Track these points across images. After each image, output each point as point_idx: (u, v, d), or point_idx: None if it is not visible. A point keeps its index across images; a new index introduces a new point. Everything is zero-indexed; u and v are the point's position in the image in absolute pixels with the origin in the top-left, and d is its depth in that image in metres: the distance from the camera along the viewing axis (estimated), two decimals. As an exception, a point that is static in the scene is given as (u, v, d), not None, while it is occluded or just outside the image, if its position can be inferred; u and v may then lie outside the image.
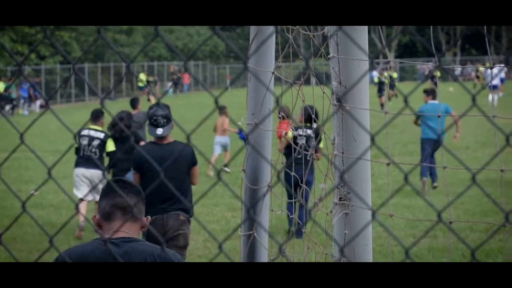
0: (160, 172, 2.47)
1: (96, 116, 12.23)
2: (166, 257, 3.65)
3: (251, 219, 4.60)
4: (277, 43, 4.64)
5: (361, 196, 3.55)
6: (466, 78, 62.80)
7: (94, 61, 55.78)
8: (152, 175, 7.97)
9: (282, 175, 2.54)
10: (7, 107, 41.38)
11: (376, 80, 39.54)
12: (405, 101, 1.94)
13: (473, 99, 1.89)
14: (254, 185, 4.57)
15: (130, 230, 3.69)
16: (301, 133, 11.01)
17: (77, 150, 12.17)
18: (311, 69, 3.73)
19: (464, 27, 67.95)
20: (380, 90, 36.09)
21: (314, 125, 11.11)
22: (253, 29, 4.50)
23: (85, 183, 12.04)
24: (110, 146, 11.90)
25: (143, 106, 17.32)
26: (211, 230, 12.10)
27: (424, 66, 61.69)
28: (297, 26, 4.22)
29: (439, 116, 4.69)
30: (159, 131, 8.02)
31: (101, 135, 11.99)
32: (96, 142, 11.94)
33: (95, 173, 11.98)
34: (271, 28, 4.40)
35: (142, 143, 13.00)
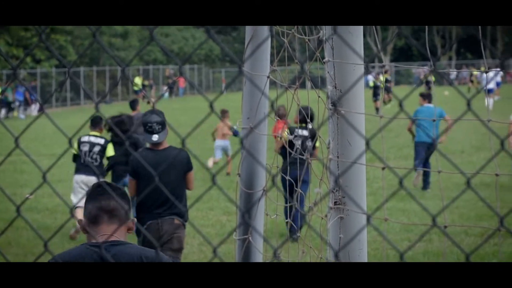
0: (155, 176, 2.47)
1: (96, 122, 12.27)
2: (154, 258, 3.63)
3: (246, 223, 4.59)
4: (272, 47, 4.64)
5: (356, 201, 3.55)
6: (461, 82, 62.86)
7: (89, 65, 55.73)
8: (148, 181, 8.04)
9: (278, 178, 2.54)
10: (3, 111, 41.34)
11: (371, 84, 39.55)
12: (400, 105, 1.94)
13: (468, 104, 1.89)
14: (249, 189, 4.56)
15: (117, 233, 3.67)
16: (296, 134, 11.03)
17: (75, 157, 12.18)
18: (306, 73, 3.73)
19: (459, 31, 68.06)
20: (375, 94, 36.09)
21: (310, 126, 11.12)
22: (248, 32, 4.49)
23: (84, 190, 12.03)
24: (110, 151, 11.96)
25: (142, 108, 17.31)
26: (206, 234, 12.08)
27: (420, 70, 61.77)
28: (293, 30, 4.22)
29: (434, 120, 4.69)
30: (155, 137, 8.08)
31: (102, 141, 12.05)
32: (97, 148, 11.99)
33: (95, 180, 11.99)
34: (266, 32, 4.39)
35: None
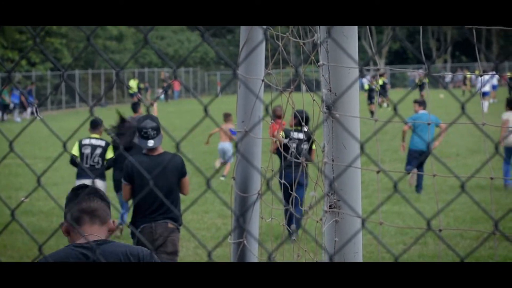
0: (150, 180, 2.47)
1: (96, 125, 12.30)
2: (139, 253, 3.77)
3: (241, 227, 4.59)
4: (267, 50, 4.64)
5: (351, 204, 3.54)
6: (456, 85, 62.91)
7: (84, 68, 55.69)
8: (142, 186, 8.12)
9: (275, 181, 2.54)
10: (-1, 114, 41.30)
11: (366, 87, 39.55)
12: (395, 109, 1.94)
13: (462, 107, 1.89)
14: (244, 193, 4.56)
15: (99, 233, 3.79)
16: (291, 137, 11.04)
17: (73, 160, 12.19)
18: (301, 76, 3.73)
19: (455, 34, 68.14)
20: (370, 98, 36.10)
21: (305, 129, 11.13)
22: (243, 36, 4.49)
23: None
24: (110, 153, 12.01)
25: (144, 110, 17.32)
26: (201, 237, 12.08)
27: (415, 73, 61.82)
28: (287, 33, 4.22)
29: (429, 124, 4.70)
30: (150, 143, 8.11)
31: (102, 143, 12.12)
32: (98, 151, 12.04)
33: (97, 184, 12.00)
34: (261, 35, 4.39)
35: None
